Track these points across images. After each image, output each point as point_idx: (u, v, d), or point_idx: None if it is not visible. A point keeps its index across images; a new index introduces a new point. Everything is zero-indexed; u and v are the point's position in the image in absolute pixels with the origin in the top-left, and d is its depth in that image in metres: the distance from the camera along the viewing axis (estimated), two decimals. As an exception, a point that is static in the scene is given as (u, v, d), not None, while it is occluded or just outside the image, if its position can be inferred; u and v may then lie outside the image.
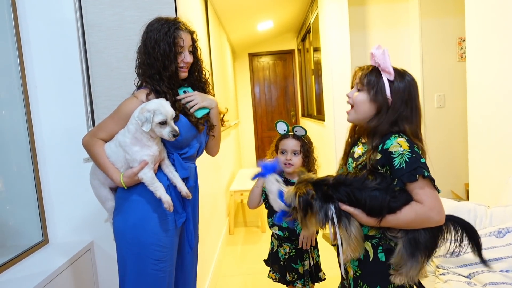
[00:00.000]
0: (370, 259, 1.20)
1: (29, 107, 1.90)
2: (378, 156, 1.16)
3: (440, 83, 3.31)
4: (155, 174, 1.40)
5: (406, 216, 1.12)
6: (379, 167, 1.16)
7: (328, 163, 3.84)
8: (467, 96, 2.31)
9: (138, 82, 1.52)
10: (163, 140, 1.44)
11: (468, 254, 1.55)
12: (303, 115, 6.19)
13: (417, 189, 1.11)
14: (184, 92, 1.51)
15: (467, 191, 2.81)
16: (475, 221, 1.72)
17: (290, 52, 6.56)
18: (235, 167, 5.04)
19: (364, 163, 1.19)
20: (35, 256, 1.82)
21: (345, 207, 1.16)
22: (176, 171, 1.46)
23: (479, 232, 1.61)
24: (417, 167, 1.09)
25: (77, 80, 1.94)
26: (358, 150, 1.27)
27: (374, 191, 1.14)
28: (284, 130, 1.71)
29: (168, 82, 1.43)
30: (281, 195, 1.39)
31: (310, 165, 1.72)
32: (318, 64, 4.35)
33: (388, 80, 1.18)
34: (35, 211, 1.94)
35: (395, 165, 1.12)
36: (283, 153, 1.69)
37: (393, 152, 1.12)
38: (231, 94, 5.29)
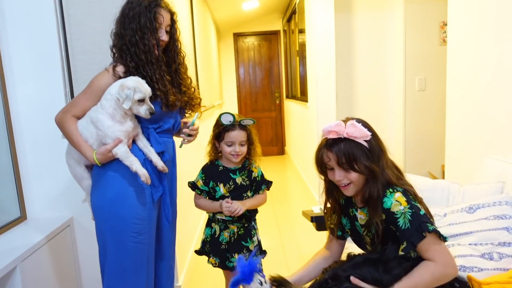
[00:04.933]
0: None
1: (4, 82, 1.84)
2: (383, 217, 1.15)
3: (421, 67, 3.36)
4: (130, 149, 1.40)
5: (422, 278, 1.09)
6: (391, 227, 1.14)
7: (309, 143, 3.88)
8: (446, 79, 2.35)
9: (115, 54, 1.49)
10: (136, 116, 1.44)
11: (440, 229, 1.62)
12: (287, 97, 6.20)
13: (426, 246, 1.09)
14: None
15: (443, 172, 2.90)
16: (448, 198, 1.79)
17: (276, 33, 6.51)
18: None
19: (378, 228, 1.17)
20: (12, 232, 1.80)
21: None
22: (151, 145, 1.46)
23: (451, 208, 1.68)
24: (421, 223, 1.08)
25: (55, 54, 1.89)
26: (361, 216, 1.26)
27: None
28: (230, 121, 1.66)
29: (145, 57, 1.41)
30: None
31: (253, 154, 1.74)
32: (303, 46, 4.34)
33: (365, 141, 1.16)
34: (12, 186, 1.90)
35: (400, 226, 1.10)
36: (230, 145, 1.67)
37: (395, 212, 1.11)
38: (215, 74, 5.23)
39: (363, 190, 1.21)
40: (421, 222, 1.08)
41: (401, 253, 1.14)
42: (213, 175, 1.73)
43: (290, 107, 5.88)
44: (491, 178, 1.76)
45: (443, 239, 1.11)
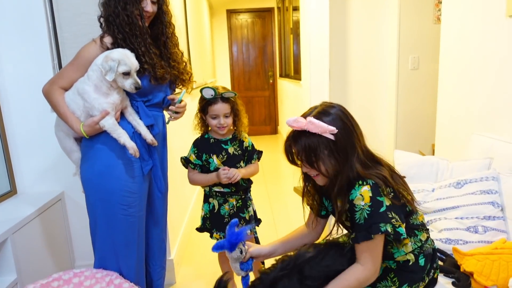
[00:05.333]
0: (410, 263, 1.18)
1: (-11, 52, 1.79)
2: (347, 206, 1.13)
3: (415, 45, 3.33)
4: (118, 122, 1.38)
5: (348, 283, 1.11)
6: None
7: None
8: (439, 58, 2.35)
9: (102, 25, 1.46)
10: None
11: (428, 203, 1.65)
12: (280, 76, 6.15)
13: (365, 248, 1.10)
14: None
15: (433, 151, 2.94)
16: (437, 174, 1.81)
17: (270, 10, 6.39)
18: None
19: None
20: (2, 206, 1.80)
21: None
22: (140, 118, 1.45)
23: (439, 184, 1.70)
24: (372, 224, 1.06)
25: (42, 26, 1.84)
26: (339, 204, 1.21)
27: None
28: (212, 95, 1.66)
29: (129, 29, 1.38)
30: (241, 264, 1.31)
31: (239, 125, 1.74)
32: (297, 24, 4.28)
33: (332, 134, 1.10)
34: (1, 160, 1.89)
35: (356, 219, 1.09)
36: (214, 118, 1.68)
37: (356, 206, 1.10)
38: (208, 51, 5.15)
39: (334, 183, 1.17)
40: (373, 223, 1.06)
41: (350, 241, 1.16)
42: (205, 148, 1.74)
43: (284, 86, 5.85)
44: (480, 155, 1.78)
45: (393, 236, 1.08)
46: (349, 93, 3.52)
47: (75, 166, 1.52)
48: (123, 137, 1.35)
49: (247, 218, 1.79)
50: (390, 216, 1.08)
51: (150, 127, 1.47)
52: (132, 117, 1.44)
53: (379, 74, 3.53)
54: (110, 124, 1.34)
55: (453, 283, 1.28)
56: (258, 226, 1.86)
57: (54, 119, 1.52)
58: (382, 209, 1.08)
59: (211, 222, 1.79)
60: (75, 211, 2.02)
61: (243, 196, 1.78)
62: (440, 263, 1.38)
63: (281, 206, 3.33)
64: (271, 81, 6.55)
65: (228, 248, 1.26)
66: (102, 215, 1.43)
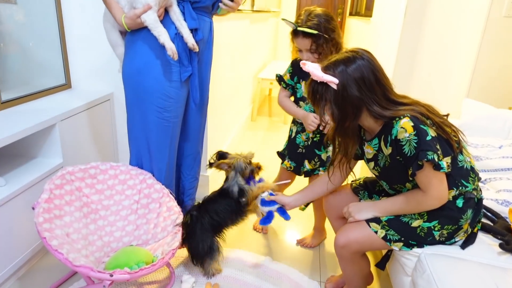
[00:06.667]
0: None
1: None
2: (389, 151, 1.10)
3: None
4: (161, 20, 1.30)
5: (408, 204, 1.13)
6: (398, 158, 1.09)
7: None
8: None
9: None
10: None
11: (491, 160, 1.46)
12: (350, 14, 5.67)
13: (422, 176, 1.05)
14: None
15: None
16: (509, 131, 1.58)
17: None
18: (268, 56, 4.85)
19: (388, 163, 1.14)
20: (56, 96, 1.87)
21: None
22: (184, 20, 1.35)
23: (510, 141, 1.48)
24: (420, 151, 1.01)
25: None
26: (368, 150, 1.21)
27: None
28: (293, 27, 1.48)
29: None
30: (261, 201, 1.43)
31: (328, 50, 1.49)
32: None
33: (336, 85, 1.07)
34: (58, 53, 1.94)
35: (406, 153, 1.04)
36: (300, 50, 1.52)
37: (401, 140, 1.04)
38: (276, -23, 4.82)
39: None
40: (421, 150, 1.01)
41: (409, 178, 1.11)
42: (299, 72, 1.60)
43: (351, 26, 5.41)
44: None
45: (440, 168, 1.02)
46: (423, 34, 3.14)
47: (119, 62, 1.50)
48: (163, 36, 1.28)
49: (322, 157, 1.65)
50: (437, 147, 1.03)
51: (194, 31, 1.38)
52: (176, 16, 1.35)
53: (463, 17, 3.08)
54: (151, 20, 1.26)
55: (500, 245, 1.15)
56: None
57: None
58: (428, 138, 1.02)
59: (287, 148, 1.75)
60: (122, 113, 2.07)
61: (323, 132, 1.60)
62: (489, 223, 1.25)
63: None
64: (339, 19, 6.08)
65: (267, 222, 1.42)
66: (138, 114, 1.43)
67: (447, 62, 3.10)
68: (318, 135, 1.64)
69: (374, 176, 1.29)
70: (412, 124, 1.02)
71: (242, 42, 3.09)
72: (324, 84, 1.08)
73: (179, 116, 1.50)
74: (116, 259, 1.27)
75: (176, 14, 1.34)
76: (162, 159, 1.52)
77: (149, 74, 1.37)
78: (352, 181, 1.44)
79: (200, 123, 1.65)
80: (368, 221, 1.18)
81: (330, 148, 1.65)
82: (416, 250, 1.14)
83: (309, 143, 1.66)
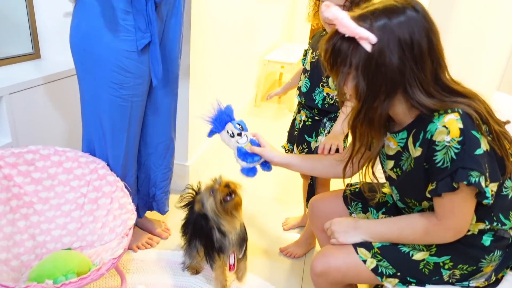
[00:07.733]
0: (469, 233, 0.83)
1: None
2: (418, 153, 0.80)
3: None
4: None
5: (412, 231, 0.85)
6: (424, 165, 0.80)
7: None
8: None
9: None
10: None
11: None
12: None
13: (447, 201, 0.76)
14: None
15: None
16: None
17: None
18: (281, 38, 4.51)
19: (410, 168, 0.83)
20: (17, 66, 1.66)
21: None
22: None
23: None
24: (459, 168, 0.72)
25: None
26: (390, 143, 0.89)
27: None
28: None
29: None
30: (239, 151, 1.10)
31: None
32: None
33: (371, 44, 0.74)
34: (24, 17, 1.71)
35: (436, 162, 0.75)
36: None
37: (437, 143, 0.74)
38: None
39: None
40: (461, 167, 0.71)
41: (427, 195, 0.79)
42: (315, 44, 1.39)
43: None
44: None
45: (485, 198, 0.73)
46: (452, 20, 2.75)
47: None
48: None
49: (311, 146, 1.42)
50: (486, 166, 0.72)
51: None
52: None
53: (496, 3, 2.67)
54: None
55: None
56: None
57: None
58: (478, 152, 0.71)
59: (289, 130, 1.59)
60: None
61: (316, 118, 1.41)
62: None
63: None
64: None
65: (215, 129, 1.13)
66: (89, 90, 1.19)
67: (476, 52, 2.71)
68: (310, 120, 1.42)
69: (385, 179, 0.99)
70: (461, 125, 0.72)
71: (248, 17, 2.79)
72: (353, 42, 0.75)
73: (141, 95, 1.24)
74: (40, 266, 1.05)
75: None
76: (118, 145, 1.27)
77: (100, 41, 1.11)
78: (347, 185, 1.15)
79: (169, 105, 1.39)
80: (356, 245, 0.90)
81: (320, 138, 1.40)
82: (415, 290, 0.86)
83: (300, 126, 1.45)
